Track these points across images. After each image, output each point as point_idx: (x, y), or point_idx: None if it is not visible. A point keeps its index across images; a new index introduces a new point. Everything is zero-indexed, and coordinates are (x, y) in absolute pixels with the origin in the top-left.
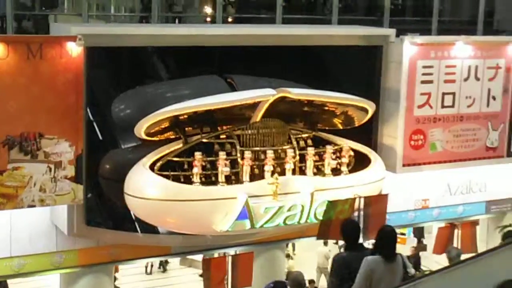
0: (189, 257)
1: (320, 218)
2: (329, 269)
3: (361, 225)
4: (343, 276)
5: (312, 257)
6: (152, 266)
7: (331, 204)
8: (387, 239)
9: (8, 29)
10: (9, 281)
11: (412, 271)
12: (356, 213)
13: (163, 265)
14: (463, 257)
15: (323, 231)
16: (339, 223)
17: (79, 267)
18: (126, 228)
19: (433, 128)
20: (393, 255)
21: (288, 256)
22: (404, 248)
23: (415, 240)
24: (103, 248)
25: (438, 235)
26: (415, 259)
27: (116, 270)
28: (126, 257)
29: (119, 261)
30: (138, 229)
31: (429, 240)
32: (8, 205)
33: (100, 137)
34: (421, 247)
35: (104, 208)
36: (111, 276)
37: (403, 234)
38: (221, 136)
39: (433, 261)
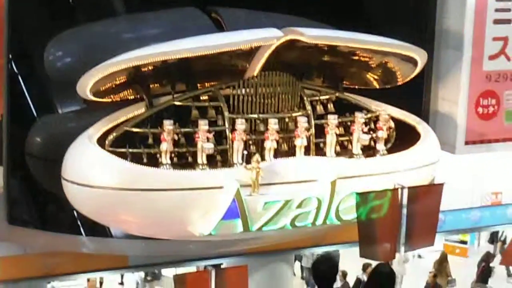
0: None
1: (345, 218)
2: None
3: (403, 228)
4: None
5: None
6: (101, 284)
7: (361, 198)
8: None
9: None
10: None
11: None
12: (397, 211)
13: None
14: None
15: (366, 243)
16: (379, 227)
17: None
18: (65, 229)
19: (511, 90)
20: None
21: None
22: (467, 263)
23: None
24: (33, 258)
25: None
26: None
27: None
28: (64, 271)
29: (55, 276)
30: (82, 230)
31: None
32: None
33: (28, 98)
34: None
35: (33, 200)
36: None
37: (463, 242)
38: (202, 98)
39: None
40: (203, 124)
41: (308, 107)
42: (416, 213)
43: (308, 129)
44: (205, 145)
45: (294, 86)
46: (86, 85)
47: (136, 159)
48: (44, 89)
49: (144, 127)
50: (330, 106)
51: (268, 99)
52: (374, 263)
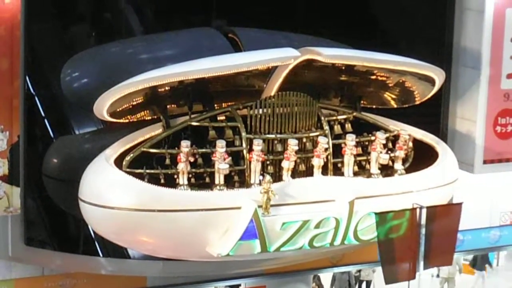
0: None
1: (363, 238)
2: None
3: (422, 248)
4: None
5: None
6: None
7: (380, 218)
8: None
9: None
10: None
11: None
12: (416, 231)
13: None
14: None
15: (387, 264)
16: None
17: None
18: (83, 250)
19: None
20: None
21: None
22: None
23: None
24: (50, 279)
25: None
26: None
27: None
28: None
29: None
30: (100, 251)
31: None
32: None
33: (45, 119)
34: None
35: (50, 221)
36: None
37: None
38: (220, 118)
39: None
40: (220, 146)
41: (326, 127)
42: (435, 233)
43: (326, 150)
44: (220, 165)
45: (312, 106)
46: (103, 106)
47: (153, 180)
48: (60, 110)
49: (161, 147)
50: (348, 126)
51: (286, 119)
52: None
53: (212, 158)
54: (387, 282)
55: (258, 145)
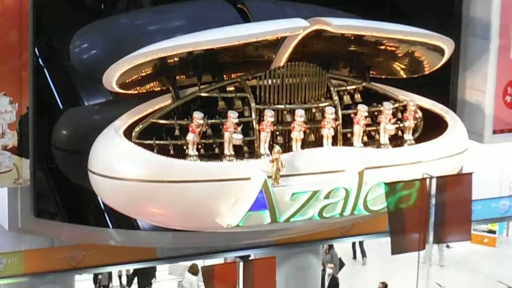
0: (183, 263)
1: (373, 208)
2: None
3: (432, 218)
4: None
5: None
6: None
7: (390, 188)
8: None
9: None
10: None
11: None
12: (425, 201)
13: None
14: None
15: (396, 234)
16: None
17: (26, 276)
18: (92, 221)
19: None
20: None
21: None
22: (495, 252)
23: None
24: (60, 250)
25: None
26: None
27: None
28: (91, 263)
29: (82, 269)
30: (109, 223)
31: None
32: None
33: (54, 90)
34: None
35: (59, 193)
36: None
37: (492, 231)
38: (229, 89)
39: None
40: (233, 116)
41: (335, 97)
42: (446, 204)
43: (335, 120)
44: (234, 135)
45: (321, 76)
46: (112, 77)
47: (162, 151)
48: (69, 81)
49: (170, 118)
50: (357, 96)
51: (295, 89)
52: None
53: (224, 129)
54: (394, 252)
55: (270, 116)
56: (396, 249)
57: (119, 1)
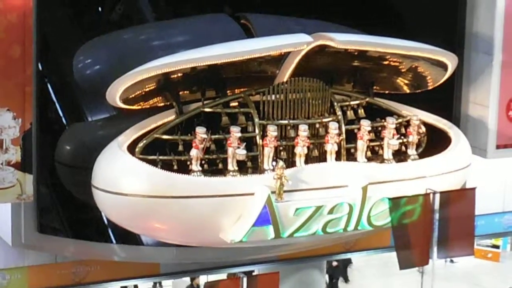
0: (186, 279)
1: (377, 223)
2: None
3: (436, 233)
4: None
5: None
6: None
7: (393, 204)
8: None
9: None
10: None
11: None
12: (429, 216)
13: None
14: None
15: (401, 251)
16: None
17: None
18: (96, 237)
19: None
20: None
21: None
22: (498, 267)
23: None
24: (63, 266)
25: None
26: None
27: None
28: (95, 279)
29: (86, 284)
30: (113, 238)
31: None
32: None
33: (58, 106)
34: None
35: (63, 209)
36: None
37: (495, 246)
38: (232, 104)
39: None
40: (235, 131)
41: (339, 113)
42: (450, 218)
43: (339, 135)
44: (238, 151)
45: (324, 91)
46: (115, 93)
47: (166, 166)
48: (73, 97)
49: (174, 134)
50: (361, 111)
51: (298, 105)
52: None
53: (227, 144)
54: (402, 267)
55: (273, 131)
56: (403, 264)
57: (122, 16)
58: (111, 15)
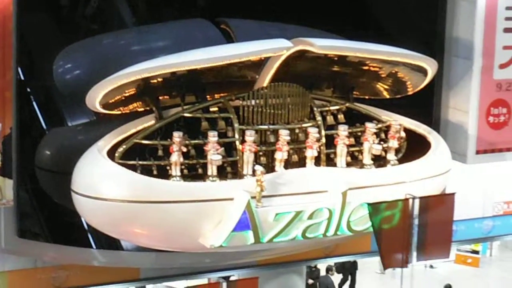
0: (166, 284)
1: (356, 228)
2: None
3: (415, 238)
4: None
5: None
6: None
7: (373, 209)
8: None
9: None
10: None
11: None
12: (408, 221)
13: None
14: None
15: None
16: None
17: None
18: (76, 242)
19: None
20: None
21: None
22: (478, 272)
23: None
24: (43, 271)
25: None
26: None
27: None
28: (75, 284)
29: None
30: (93, 243)
31: None
32: None
33: (37, 111)
34: None
35: (42, 213)
36: None
37: (475, 252)
38: (212, 109)
39: None
40: (212, 136)
41: (318, 118)
42: (429, 223)
43: (318, 140)
44: (212, 157)
45: (304, 96)
46: (95, 98)
47: (146, 171)
48: (53, 101)
49: (154, 139)
50: (341, 117)
51: (278, 110)
52: None
53: (205, 149)
54: (386, 268)
55: (250, 135)
56: (386, 265)
57: (103, 21)
58: (86, 9)
